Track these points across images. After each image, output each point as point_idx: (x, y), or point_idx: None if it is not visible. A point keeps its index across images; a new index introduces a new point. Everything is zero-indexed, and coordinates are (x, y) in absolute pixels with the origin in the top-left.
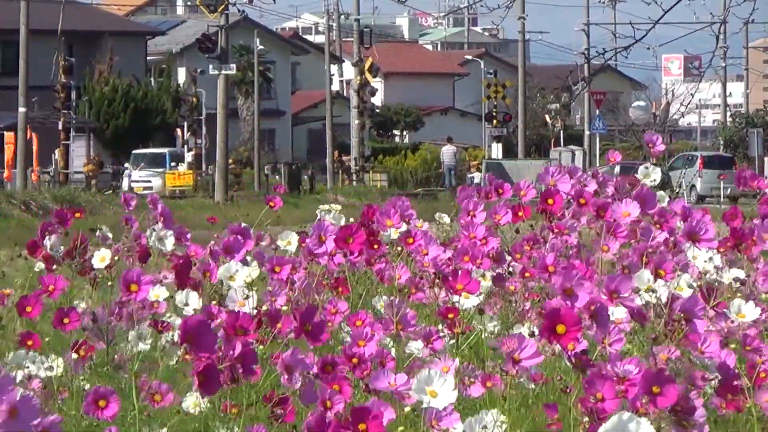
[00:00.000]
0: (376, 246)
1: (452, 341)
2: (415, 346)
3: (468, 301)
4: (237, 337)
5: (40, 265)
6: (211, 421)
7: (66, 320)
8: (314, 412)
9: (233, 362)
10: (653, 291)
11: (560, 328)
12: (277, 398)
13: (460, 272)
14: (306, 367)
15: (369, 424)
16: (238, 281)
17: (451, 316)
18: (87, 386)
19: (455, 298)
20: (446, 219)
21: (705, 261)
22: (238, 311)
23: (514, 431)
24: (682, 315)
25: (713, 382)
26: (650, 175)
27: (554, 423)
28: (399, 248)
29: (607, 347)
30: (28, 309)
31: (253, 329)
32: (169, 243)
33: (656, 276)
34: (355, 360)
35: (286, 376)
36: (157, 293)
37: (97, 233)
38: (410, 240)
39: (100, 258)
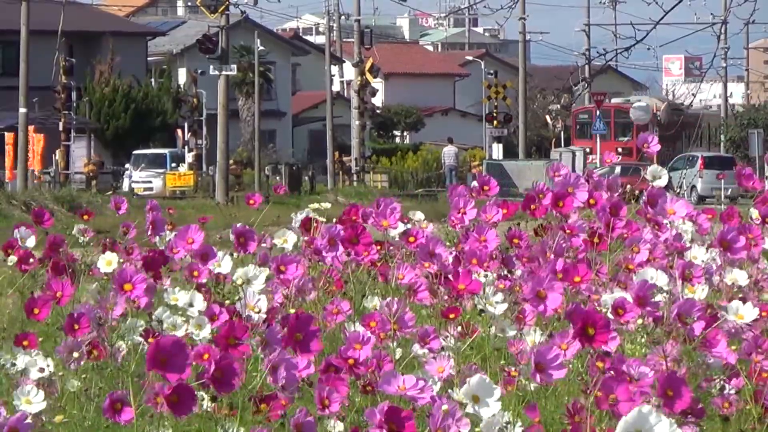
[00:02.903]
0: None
1: (458, 343)
2: (418, 348)
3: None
4: (213, 353)
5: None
6: (211, 421)
7: (76, 326)
8: (301, 410)
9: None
10: (666, 292)
11: (590, 330)
12: (263, 395)
13: (461, 272)
14: (292, 366)
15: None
16: (256, 286)
17: (452, 316)
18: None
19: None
20: (419, 215)
21: (707, 261)
22: (232, 321)
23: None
24: (686, 318)
25: (715, 382)
26: (659, 176)
27: (534, 425)
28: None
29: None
30: (36, 311)
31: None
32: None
33: (684, 279)
34: (351, 362)
35: (271, 376)
36: (176, 296)
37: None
38: (411, 239)
39: (107, 262)
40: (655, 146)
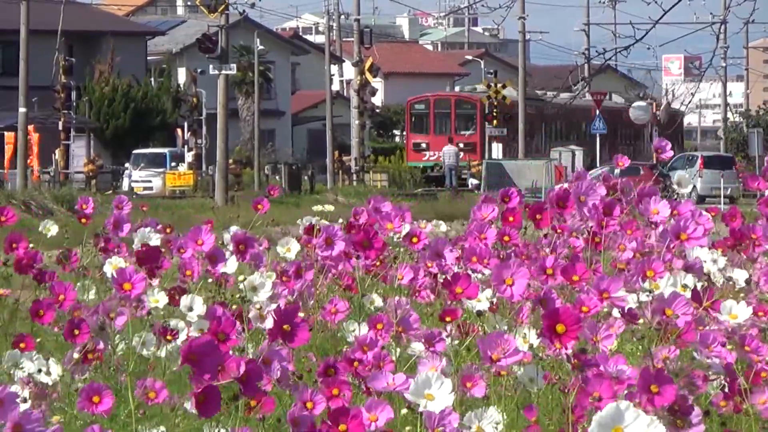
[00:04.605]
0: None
1: (456, 342)
2: (417, 348)
3: (479, 304)
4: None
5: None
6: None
7: (76, 332)
8: (296, 405)
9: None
10: (650, 291)
11: (560, 328)
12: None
13: (460, 276)
14: (282, 359)
15: (349, 424)
16: (261, 295)
17: (448, 319)
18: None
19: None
20: (443, 227)
21: (711, 261)
22: (220, 316)
23: (510, 431)
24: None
25: (715, 382)
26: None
27: (533, 425)
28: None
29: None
30: (41, 313)
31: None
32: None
33: (644, 277)
34: (356, 364)
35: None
36: (156, 298)
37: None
38: (414, 239)
39: (114, 266)
40: (668, 152)
